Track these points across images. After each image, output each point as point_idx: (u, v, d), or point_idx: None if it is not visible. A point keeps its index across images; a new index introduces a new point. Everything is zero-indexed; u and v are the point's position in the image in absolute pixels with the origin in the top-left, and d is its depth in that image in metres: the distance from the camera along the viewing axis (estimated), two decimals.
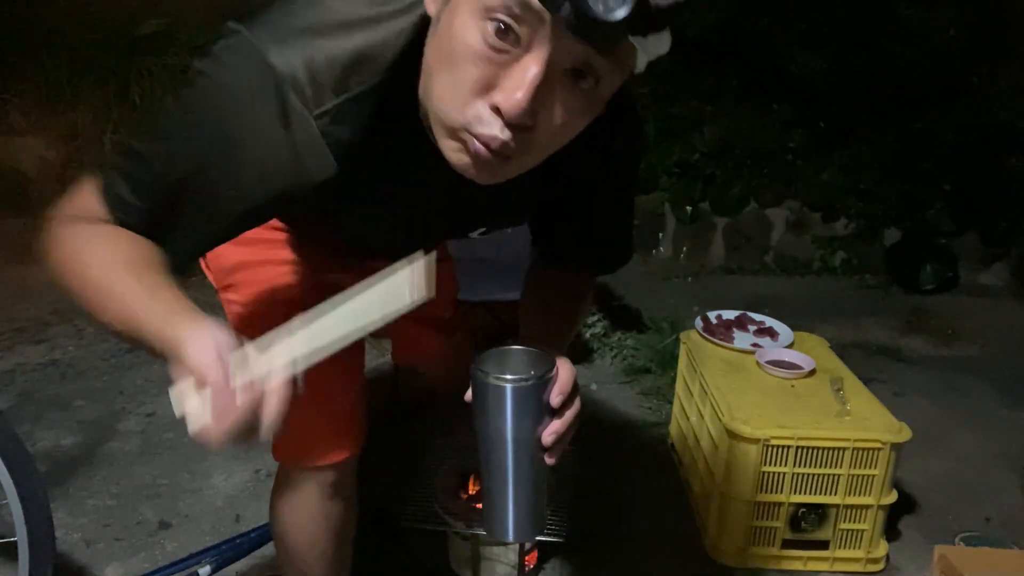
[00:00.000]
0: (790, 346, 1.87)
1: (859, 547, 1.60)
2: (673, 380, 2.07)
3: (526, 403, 0.80)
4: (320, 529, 1.14)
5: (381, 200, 0.84)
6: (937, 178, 3.53)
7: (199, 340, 0.62)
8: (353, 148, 0.72)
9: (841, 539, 1.59)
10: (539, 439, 0.81)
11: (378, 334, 1.87)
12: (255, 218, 0.78)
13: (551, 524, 1.36)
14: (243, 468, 1.90)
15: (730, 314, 2.04)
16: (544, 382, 0.80)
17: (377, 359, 2.30)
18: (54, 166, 3.85)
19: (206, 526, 1.70)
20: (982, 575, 1.50)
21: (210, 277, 1.19)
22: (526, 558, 1.46)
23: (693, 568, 1.61)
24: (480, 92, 0.64)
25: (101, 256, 0.72)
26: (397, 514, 1.41)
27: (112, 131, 3.53)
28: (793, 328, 1.96)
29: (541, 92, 0.63)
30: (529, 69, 0.62)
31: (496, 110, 0.64)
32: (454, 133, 0.67)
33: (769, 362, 1.75)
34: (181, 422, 0.61)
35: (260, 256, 1.07)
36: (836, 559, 1.60)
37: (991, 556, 1.58)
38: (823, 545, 1.59)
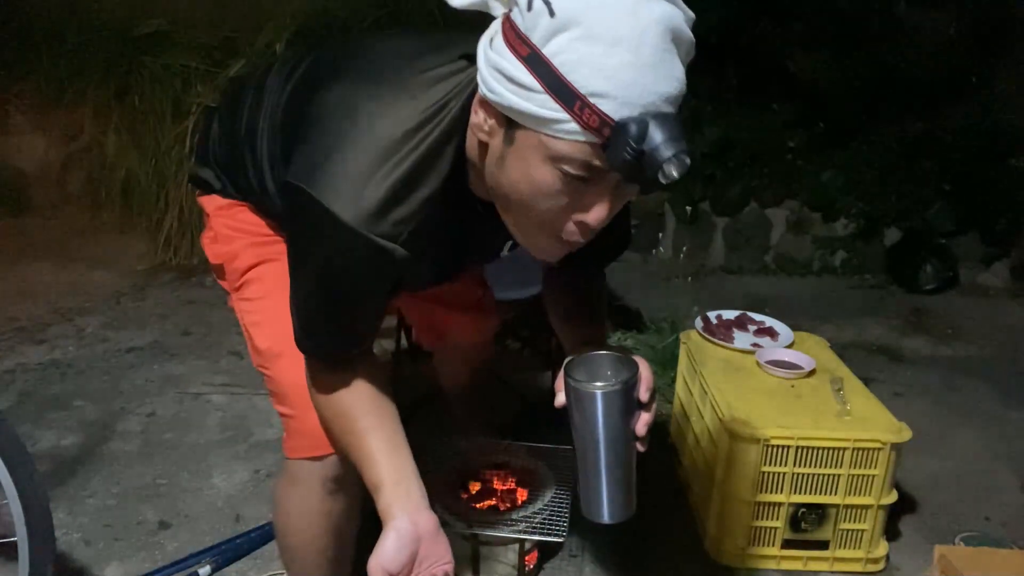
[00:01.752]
0: (790, 346, 1.87)
1: (859, 547, 1.60)
2: (673, 380, 2.07)
3: (616, 405, 0.90)
4: (321, 525, 1.14)
5: (444, 250, 0.97)
6: (937, 178, 3.53)
7: (383, 545, 0.85)
8: (432, 242, 0.88)
9: (841, 539, 1.59)
10: (629, 432, 0.92)
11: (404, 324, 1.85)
12: (384, 306, 0.99)
13: (551, 524, 1.36)
14: (243, 468, 1.90)
15: (730, 314, 2.04)
16: (631, 385, 0.91)
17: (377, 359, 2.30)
18: (54, 166, 3.86)
19: (206, 526, 1.70)
20: (982, 575, 1.50)
21: (224, 284, 1.22)
22: (526, 558, 1.46)
23: (693, 568, 1.61)
24: (566, 215, 0.79)
25: (347, 408, 0.96)
26: None
27: (112, 131, 3.52)
28: (793, 328, 1.95)
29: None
30: (602, 197, 0.77)
31: (581, 223, 0.80)
32: (544, 237, 0.83)
33: (769, 362, 1.75)
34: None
35: (271, 255, 1.14)
36: (836, 559, 1.60)
37: (991, 556, 1.58)
38: (823, 545, 1.59)
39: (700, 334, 1.92)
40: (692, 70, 0.77)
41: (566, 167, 0.74)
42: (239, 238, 1.17)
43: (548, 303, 1.19)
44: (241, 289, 1.18)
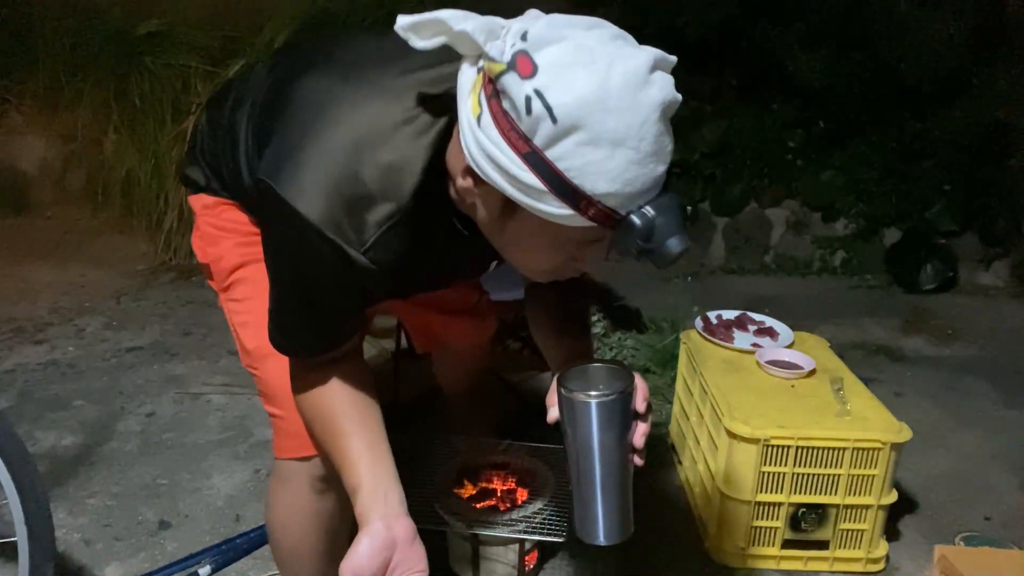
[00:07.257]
0: (790, 346, 1.87)
1: (859, 547, 1.60)
2: (673, 380, 2.07)
3: (612, 415, 0.87)
4: (310, 525, 1.14)
5: (419, 260, 0.94)
6: (937, 178, 3.53)
7: (356, 549, 0.83)
8: (399, 254, 0.85)
9: (841, 539, 1.59)
10: (626, 445, 0.89)
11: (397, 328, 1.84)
12: (357, 310, 0.96)
13: (551, 524, 1.36)
14: (243, 468, 1.90)
15: (730, 314, 2.04)
16: (627, 395, 0.88)
17: (377, 359, 2.30)
18: (54, 166, 3.86)
19: (206, 526, 1.70)
20: (982, 575, 1.50)
21: (213, 285, 1.22)
22: (526, 558, 1.46)
23: (693, 568, 1.61)
24: (564, 265, 0.83)
25: (328, 409, 0.95)
26: None
27: (112, 131, 3.52)
28: (793, 328, 1.96)
29: None
30: (600, 253, 0.80)
31: (576, 268, 0.85)
32: (537, 275, 0.89)
33: (769, 362, 1.75)
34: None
35: (258, 255, 1.10)
36: (836, 559, 1.60)
37: (991, 556, 1.58)
38: (823, 545, 1.59)
39: (700, 334, 1.92)
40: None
41: (571, 240, 0.77)
42: (225, 238, 1.16)
43: (531, 319, 1.17)
44: (229, 290, 1.18)
